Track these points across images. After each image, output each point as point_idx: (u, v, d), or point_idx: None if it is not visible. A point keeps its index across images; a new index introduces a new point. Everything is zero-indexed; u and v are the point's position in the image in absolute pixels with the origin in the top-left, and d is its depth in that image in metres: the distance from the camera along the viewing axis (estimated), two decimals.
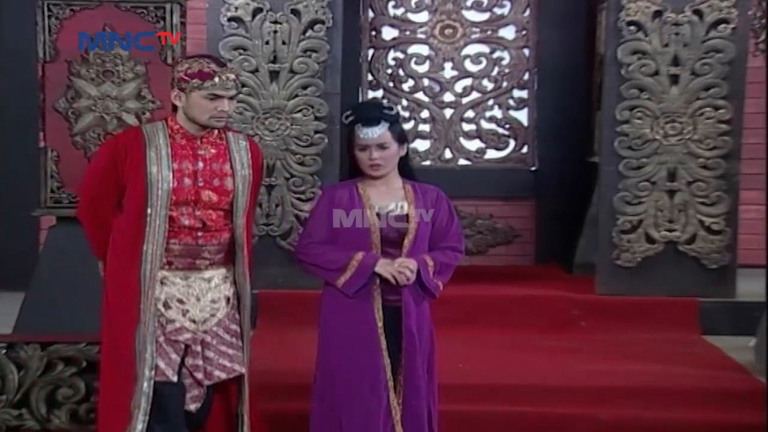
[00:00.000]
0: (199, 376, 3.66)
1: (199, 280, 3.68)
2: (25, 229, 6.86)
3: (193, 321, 3.65)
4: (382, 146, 3.72)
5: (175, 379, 3.61)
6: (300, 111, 6.16)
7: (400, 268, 3.66)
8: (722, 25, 6.07)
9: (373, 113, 3.78)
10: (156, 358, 3.58)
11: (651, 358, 5.29)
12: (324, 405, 3.74)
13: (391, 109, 3.84)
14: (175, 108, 3.66)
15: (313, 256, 3.76)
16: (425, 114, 8.03)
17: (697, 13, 6.09)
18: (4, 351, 4.60)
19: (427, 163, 8.00)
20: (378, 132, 3.71)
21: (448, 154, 8.00)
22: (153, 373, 3.57)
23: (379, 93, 8.02)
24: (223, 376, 3.71)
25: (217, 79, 3.57)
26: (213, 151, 3.68)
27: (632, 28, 6.13)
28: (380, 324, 3.70)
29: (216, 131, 3.70)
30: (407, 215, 3.74)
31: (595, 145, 7.08)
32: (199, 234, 3.64)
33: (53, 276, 4.78)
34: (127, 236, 3.62)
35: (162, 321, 3.63)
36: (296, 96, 6.16)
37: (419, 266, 3.70)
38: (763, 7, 6.10)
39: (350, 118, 3.77)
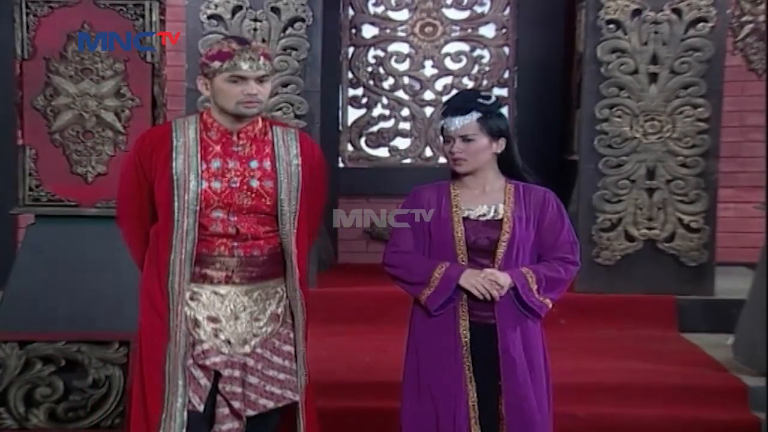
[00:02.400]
0: (237, 405, 3.18)
1: (237, 296, 3.22)
2: (3, 227, 6.82)
3: (228, 342, 3.20)
4: (465, 138, 3.30)
5: (201, 408, 3.18)
6: (280, 109, 6.14)
7: (485, 281, 3.25)
8: (701, 24, 6.09)
9: (463, 102, 3.36)
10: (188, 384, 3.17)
11: (629, 355, 5.31)
12: (415, 407, 3.39)
13: (489, 98, 3.38)
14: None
15: (396, 267, 3.38)
16: (405, 112, 8.02)
17: (676, 11, 6.10)
18: None
19: (408, 161, 8.02)
20: (462, 122, 3.30)
21: (428, 152, 8.01)
22: (186, 400, 3.15)
23: (360, 91, 8.02)
24: (271, 404, 3.24)
25: (237, 58, 3.13)
26: (252, 147, 3.24)
27: (611, 26, 6.14)
28: (466, 343, 3.33)
29: (260, 124, 3.27)
30: (501, 220, 3.33)
31: (575, 144, 7.09)
32: (235, 243, 3.20)
33: (31, 274, 4.76)
34: (156, 244, 3.23)
35: (190, 341, 3.19)
36: (276, 94, 6.13)
37: (515, 281, 3.27)
38: (741, 7, 6.14)
39: (444, 108, 3.39)
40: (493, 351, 3.30)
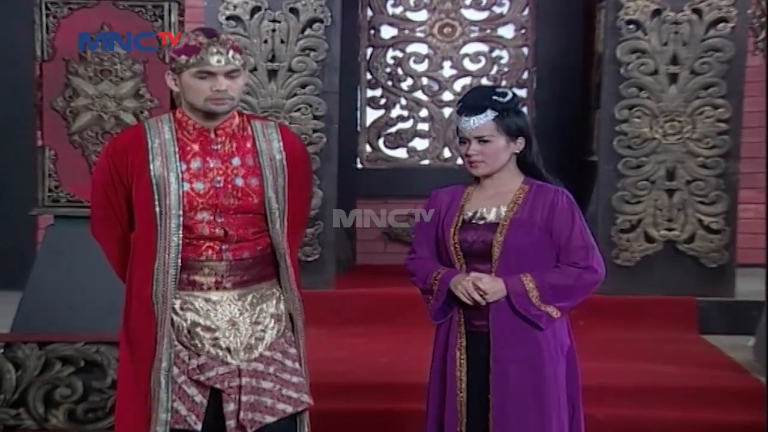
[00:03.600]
0: (249, 415, 2.97)
1: (230, 302, 3.03)
2: (23, 227, 6.85)
3: (229, 351, 3.00)
4: (481, 139, 3.13)
5: (198, 427, 2.97)
6: (298, 110, 6.14)
7: (468, 285, 3.09)
8: (721, 24, 6.06)
9: (477, 100, 3.17)
10: (175, 400, 2.96)
11: (649, 357, 5.28)
12: (431, 413, 3.29)
13: (505, 95, 3.17)
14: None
15: (412, 274, 3.26)
16: (424, 113, 8.03)
17: (697, 11, 6.08)
18: (1, 350, 4.60)
19: (426, 162, 8.02)
20: (478, 122, 3.12)
21: (446, 153, 8.02)
22: (169, 416, 2.95)
23: (378, 92, 8.03)
24: (290, 409, 3.04)
25: (204, 52, 2.94)
26: (232, 143, 3.06)
27: (631, 26, 6.12)
28: (459, 353, 3.17)
29: (237, 119, 3.08)
30: (498, 223, 3.15)
31: (594, 144, 7.07)
32: (224, 246, 3.01)
33: (51, 275, 4.78)
34: (138, 251, 3.04)
35: (183, 356, 2.99)
36: (295, 95, 6.15)
37: (508, 288, 3.10)
38: (762, 6, 6.10)
39: (458, 106, 3.22)
40: (487, 362, 3.14)
